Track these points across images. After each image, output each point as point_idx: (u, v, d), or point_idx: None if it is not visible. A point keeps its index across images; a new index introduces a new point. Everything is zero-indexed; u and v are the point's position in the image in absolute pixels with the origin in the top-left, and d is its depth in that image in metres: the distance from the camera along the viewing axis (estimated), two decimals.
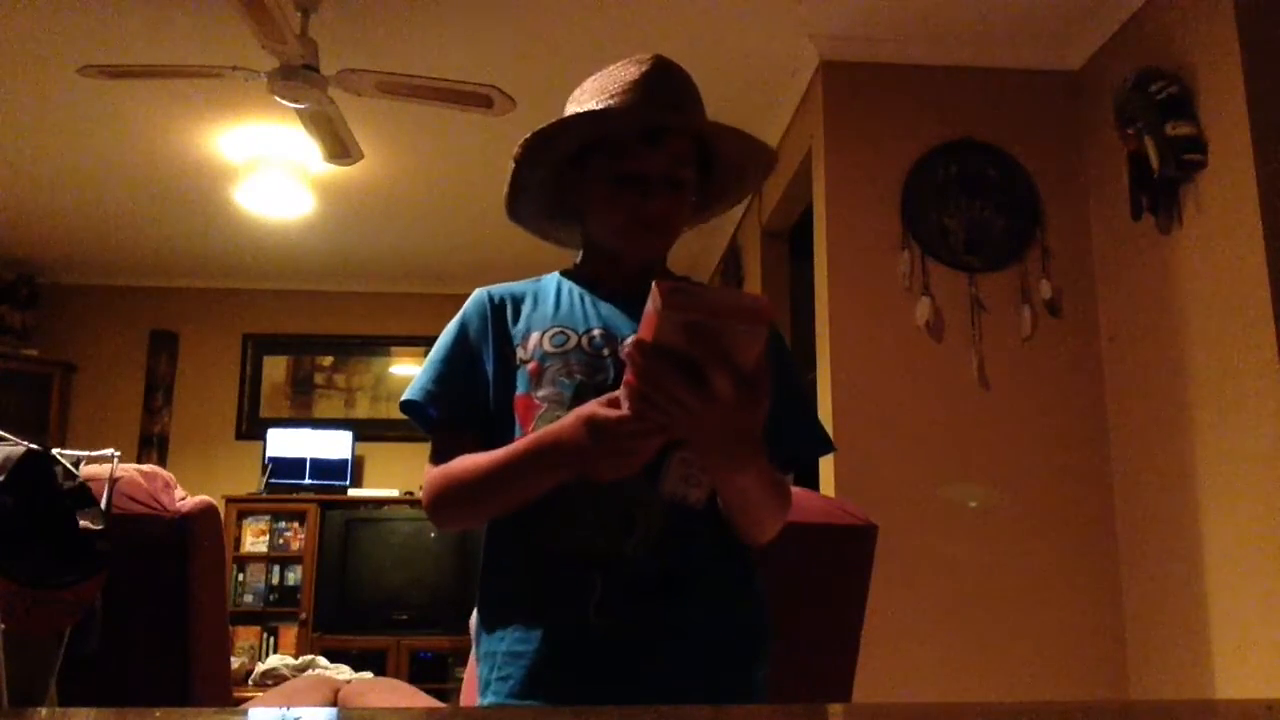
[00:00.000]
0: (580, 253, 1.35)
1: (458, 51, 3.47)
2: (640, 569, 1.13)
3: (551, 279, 1.32)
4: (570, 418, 1.07)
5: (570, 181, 1.26)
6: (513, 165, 1.24)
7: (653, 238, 1.23)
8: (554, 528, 1.16)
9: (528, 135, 1.20)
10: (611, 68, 1.24)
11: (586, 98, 1.23)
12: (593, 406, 1.04)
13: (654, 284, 0.93)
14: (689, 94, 1.24)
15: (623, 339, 1.19)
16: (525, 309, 1.27)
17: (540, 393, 1.18)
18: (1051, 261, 3.29)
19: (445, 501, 1.20)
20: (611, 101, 1.20)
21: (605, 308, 1.25)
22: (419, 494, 1.24)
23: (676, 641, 1.13)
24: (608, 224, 1.24)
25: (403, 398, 1.24)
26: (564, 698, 1.11)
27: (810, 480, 3.27)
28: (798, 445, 1.28)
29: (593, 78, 1.25)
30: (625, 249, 1.24)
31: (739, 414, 0.98)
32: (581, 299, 1.27)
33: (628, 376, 0.98)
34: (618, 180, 1.20)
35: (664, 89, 1.21)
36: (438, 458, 1.22)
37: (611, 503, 1.13)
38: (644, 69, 1.21)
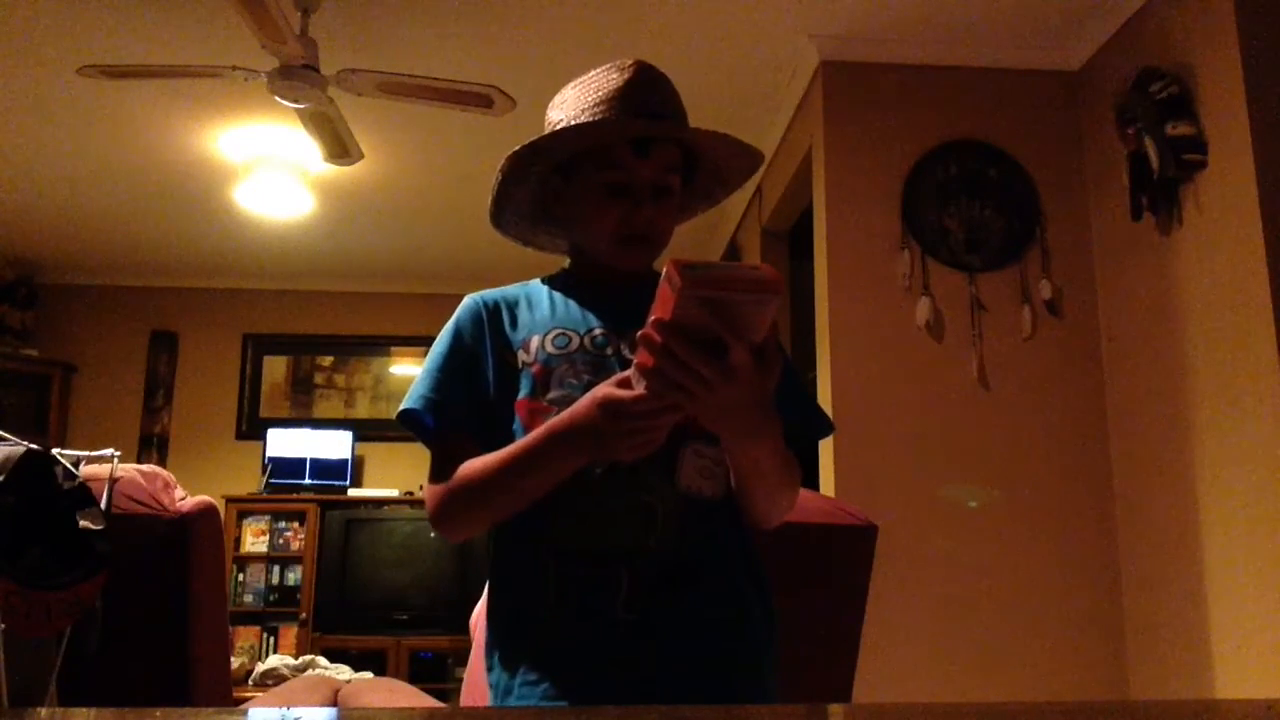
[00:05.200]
0: (566, 260, 1.35)
1: (458, 51, 3.47)
2: (663, 563, 1.13)
3: (539, 285, 1.31)
4: (583, 401, 1.07)
5: (556, 190, 1.26)
6: (498, 177, 1.23)
7: (643, 246, 1.22)
8: (574, 526, 1.15)
9: (515, 149, 1.20)
10: (592, 73, 1.23)
11: (569, 106, 1.22)
12: (606, 388, 1.04)
13: (669, 263, 0.94)
14: (673, 100, 1.24)
15: (625, 336, 1.19)
16: (521, 312, 1.26)
17: (549, 396, 1.17)
18: (1051, 261, 3.29)
19: (457, 506, 1.17)
20: (598, 111, 1.19)
21: (597, 312, 1.25)
22: (419, 494, 1.23)
23: (700, 632, 1.14)
24: (597, 233, 1.23)
25: (400, 408, 1.21)
26: (595, 694, 1.10)
27: (810, 481, 3.27)
28: (795, 427, 1.26)
29: (572, 84, 1.25)
30: (615, 258, 1.23)
31: (755, 385, 1.00)
32: (577, 302, 1.27)
33: (640, 357, 0.99)
34: (607, 190, 1.20)
35: (649, 97, 1.21)
36: (438, 470, 1.19)
37: (630, 499, 1.14)
38: (626, 76, 1.20)
